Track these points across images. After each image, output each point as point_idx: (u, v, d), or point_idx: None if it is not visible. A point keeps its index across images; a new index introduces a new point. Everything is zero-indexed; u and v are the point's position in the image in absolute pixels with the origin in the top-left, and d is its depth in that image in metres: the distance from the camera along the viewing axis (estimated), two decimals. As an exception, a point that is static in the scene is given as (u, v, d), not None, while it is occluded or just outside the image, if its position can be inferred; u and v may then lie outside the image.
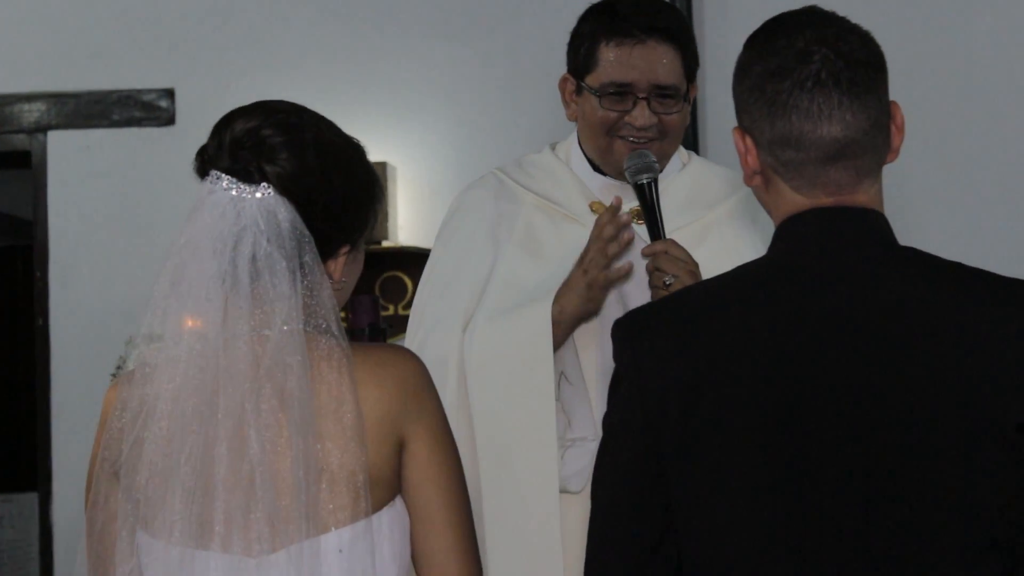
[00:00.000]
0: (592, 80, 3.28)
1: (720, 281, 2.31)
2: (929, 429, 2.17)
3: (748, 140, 2.31)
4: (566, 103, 3.36)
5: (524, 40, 5.78)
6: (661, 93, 3.28)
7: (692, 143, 5.77)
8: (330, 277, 2.42)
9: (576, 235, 3.32)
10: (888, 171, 2.33)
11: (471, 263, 3.36)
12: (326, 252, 2.42)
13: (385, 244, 5.97)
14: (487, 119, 6.03)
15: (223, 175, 2.38)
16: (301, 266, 2.37)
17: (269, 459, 2.31)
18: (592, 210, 3.33)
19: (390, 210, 6.00)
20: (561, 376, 3.27)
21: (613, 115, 3.28)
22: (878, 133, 2.28)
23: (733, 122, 2.35)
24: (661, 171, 3.34)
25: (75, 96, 6.10)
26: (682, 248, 3.21)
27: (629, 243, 3.21)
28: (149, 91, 6.08)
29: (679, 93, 3.30)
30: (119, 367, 5.48)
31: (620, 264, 3.20)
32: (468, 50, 6.01)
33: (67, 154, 6.10)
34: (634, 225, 3.30)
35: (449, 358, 3.24)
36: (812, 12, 2.32)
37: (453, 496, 2.42)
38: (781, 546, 2.18)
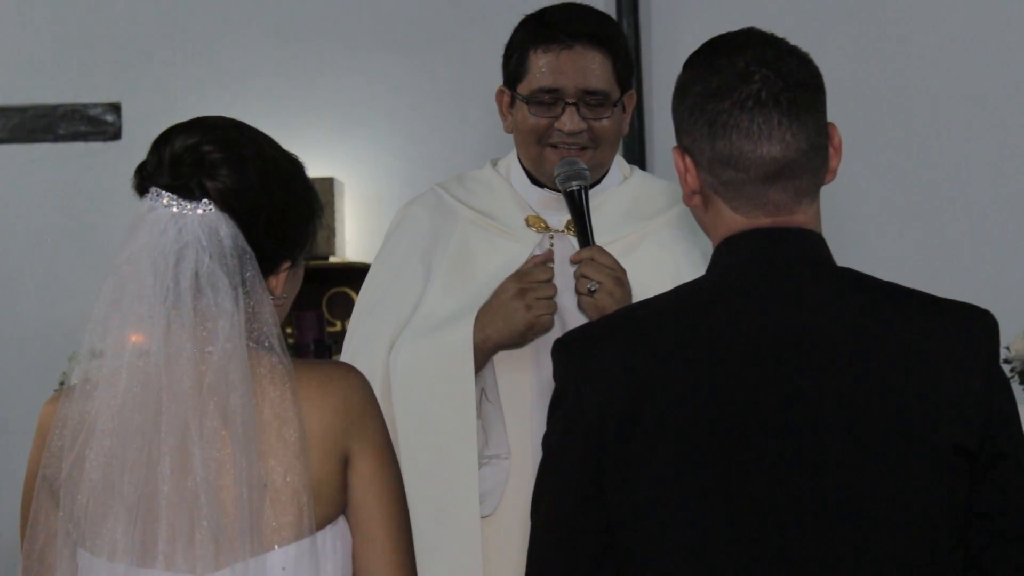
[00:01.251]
0: (523, 88, 3.28)
1: (659, 300, 2.32)
2: (867, 447, 2.19)
3: (687, 160, 2.32)
4: (503, 115, 3.36)
5: (470, 54, 5.79)
6: (590, 99, 3.26)
7: (639, 164, 5.79)
8: (271, 293, 2.41)
9: (509, 250, 3.32)
10: (826, 191, 2.34)
11: (402, 283, 3.35)
12: (267, 268, 2.41)
13: (332, 260, 5.96)
14: (434, 133, 6.03)
15: (163, 192, 2.37)
16: (243, 283, 2.36)
17: (213, 476, 2.30)
18: (528, 223, 3.33)
19: (337, 225, 5.99)
20: (481, 393, 3.27)
21: (543, 122, 3.27)
22: (816, 154, 2.29)
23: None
24: (599, 181, 3.35)
25: (20, 110, 6.07)
26: (609, 255, 3.20)
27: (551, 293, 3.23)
28: (95, 105, 6.06)
29: (609, 99, 3.27)
30: (62, 383, 5.45)
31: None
32: (414, 64, 6.02)
33: (12, 168, 6.07)
34: (568, 235, 3.31)
35: (374, 377, 3.23)
36: (751, 33, 2.33)
37: (395, 514, 2.41)
38: (721, 562, 2.19)
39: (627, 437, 2.22)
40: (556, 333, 3.21)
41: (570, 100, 3.26)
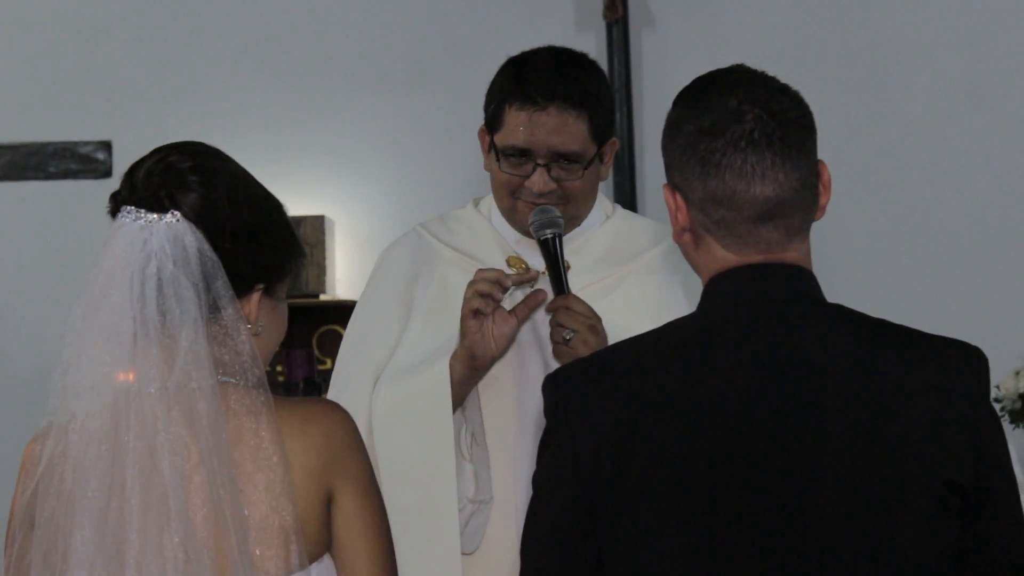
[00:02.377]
0: (498, 139, 3.27)
1: (652, 336, 2.32)
2: (860, 485, 2.18)
3: (678, 197, 2.31)
4: (484, 153, 3.36)
5: (462, 92, 5.80)
6: (561, 159, 3.24)
7: (630, 204, 5.80)
8: (247, 320, 2.40)
9: None
10: (816, 228, 2.34)
11: (383, 323, 3.35)
12: (239, 286, 2.39)
13: (323, 297, 5.95)
14: (425, 172, 6.04)
15: (132, 208, 2.37)
16: (209, 291, 2.34)
17: (189, 510, 2.28)
18: (508, 264, 3.33)
19: (328, 263, 5.99)
20: (472, 437, 3.26)
21: (514, 179, 3.26)
22: (808, 192, 2.29)
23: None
24: (579, 226, 3.34)
25: (11, 148, 6.08)
26: (583, 302, 3.19)
27: (494, 299, 3.19)
28: (86, 143, 6.07)
29: (583, 159, 3.25)
30: (51, 421, 5.42)
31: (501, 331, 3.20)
32: (407, 104, 6.03)
33: (3, 206, 6.07)
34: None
35: (358, 416, 3.22)
36: (742, 71, 2.33)
37: (380, 551, 2.40)
38: None
39: (620, 475, 2.21)
40: (535, 372, 3.23)
41: (541, 161, 3.24)
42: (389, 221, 5.98)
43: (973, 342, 2.28)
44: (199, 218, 2.36)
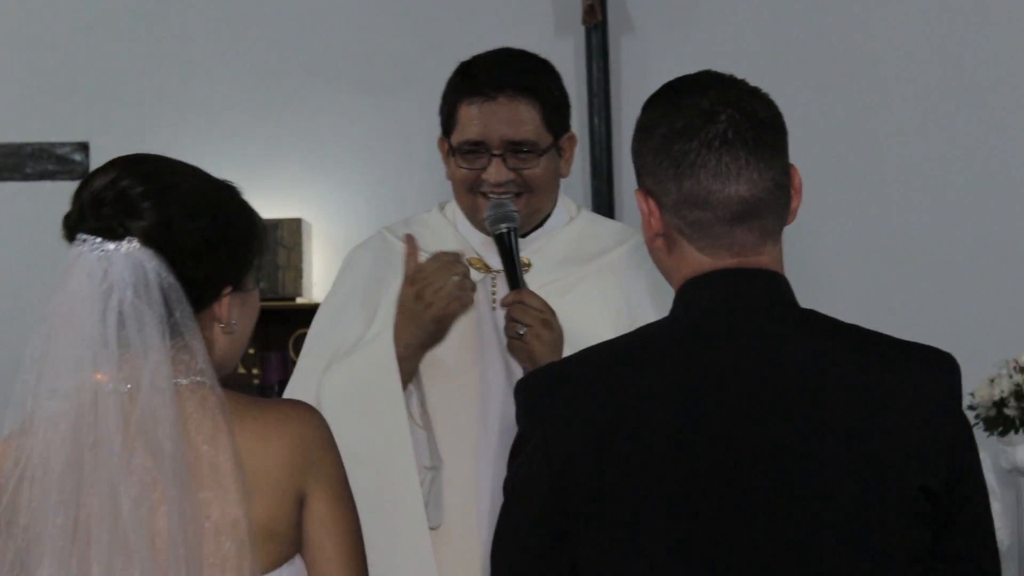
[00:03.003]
0: (454, 139, 3.32)
1: (625, 341, 2.31)
2: (833, 491, 2.18)
3: (651, 202, 2.30)
4: (445, 161, 3.40)
5: (441, 97, 5.81)
6: (516, 148, 3.28)
7: (608, 208, 5.81)
8: (219, 321, 2.41)
9: None
10: (788, 232, 2.35)
11: (341, 325, 3.38)
12: (207, 296, 2.39)
13: (299, 300, 5.95)
14: (402, 175, 6.04)
15: (88, 236, 2.36)
16: (170, 316, 2.34)
17: (145, 519, 2.28)
18: (471, 266, 3.35)
19: (304, 266, 5.99)
20: (420, 406, 3.29)
21: (471, 174, 3.29)
22: (782, 194, 2.29)
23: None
24: (542, 223, 3.37)
25: (-12, 149, 6.06)
26: (537, 297, 3.21)
27: (466, 273, 3.23)
28: (63, 144, 6.05)
29: (537, 147, 3.28)
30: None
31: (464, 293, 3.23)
32: (385, 107, 6.03)
33: (-21, 207, 6.06)
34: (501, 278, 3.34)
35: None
36: (711, 75, 2.33)
37: (351, 553, 2.40)
38: None
39: (595, 478, 2.20)
40: (497, 368, 3.25)
41: (495, 152, 3.27)
42: (366, 224, 5.97)
43: (948, 349, 2.29)
44: (157, 244, 2.36)
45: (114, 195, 2.37)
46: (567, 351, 3.16)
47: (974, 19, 5.91)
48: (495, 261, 3.34)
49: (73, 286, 2.35)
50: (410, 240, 3.30)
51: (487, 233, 3.34)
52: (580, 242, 3.42)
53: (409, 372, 3.25)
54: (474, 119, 3.28)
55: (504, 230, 3.26)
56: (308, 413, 2.43)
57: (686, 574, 2.18)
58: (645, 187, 2.31)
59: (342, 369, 3.29)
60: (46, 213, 6.02)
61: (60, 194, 6.19)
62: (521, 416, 2.29)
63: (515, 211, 3.27)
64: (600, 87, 5.89)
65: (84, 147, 6.05)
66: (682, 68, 2.48)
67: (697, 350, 2.24)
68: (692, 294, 2.29)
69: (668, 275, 2.34)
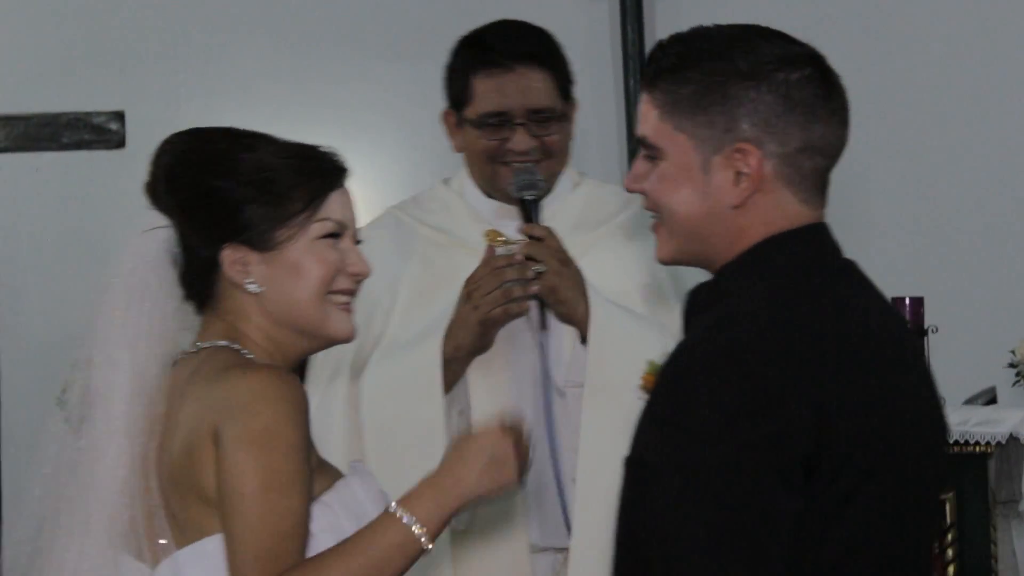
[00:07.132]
0: (470, 112, 3.37)
1: (789, 313, 2.11)
2: (941, 451, 2.22)
3: (757, 153, 2.14)
4: (450, 136, 3.44)
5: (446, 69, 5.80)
6: (538, 116, 3.35)
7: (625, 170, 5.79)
8: (236, 285, 2.45)
9: (471, 264, 3.35)
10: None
11: (365, 307, 3.39)
12: (210, 256, 2.49)
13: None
14: (439, 142, 6.01)
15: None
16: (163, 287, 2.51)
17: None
18: (487, 237, 3.37)
19: (341, 232, 5.99)
20: (459, 415, 3.29)
21: (494, 143, 3.37)
22: None
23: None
24: (551, 189, 3.42)
25: (24, 119, 6.07)
26: (553, 236, 3.27)
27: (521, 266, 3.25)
28: (99, 114, 6.05)
29: (556, 113, 3.37)
30: (64, 390, 5.44)
31: (515, 301, 3.23)
32: (419, 72, 5.99)
33: (16, 177, 6.07)
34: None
35: (334, 407, 3.26)
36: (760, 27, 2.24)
37: (245, 512, 2.37)
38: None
39: (844, 452, 2.07)
40: (528, 365, 3.28)
41: (519, 120, 3.35)
42: (401, 190, 5.97)
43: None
44: (156, 207, 2.56)
45: (152, 181, 2.59)
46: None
47: (992, 13, 5.87)
48: (510, 230, 3.36)
49: (125, 260, 2.62)
50: (488, 250, 3.34)
51: (504, 201, 3.37)
52: (588, 206, 3.49)
53: (457, 374, 3.26)
54: (494, 91, 3.35)
55: (529, 197, 3.33)
56: (273, 376, 2.43)
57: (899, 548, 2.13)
58: (744, 136, 2.15)
59: (384, 367, 3.29)
60: (83, 182, 6.06)
61: (96, 163, 6.26)
62: (751, 387, 2.05)
63: (542, 180, 3.33)
64: (635, 49, 5.87)
65: (120, 116, 6.05)
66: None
67: (856, 321, 2.13)
68: (792, 249, 2.14)
69: (728, 234, 2.17)
